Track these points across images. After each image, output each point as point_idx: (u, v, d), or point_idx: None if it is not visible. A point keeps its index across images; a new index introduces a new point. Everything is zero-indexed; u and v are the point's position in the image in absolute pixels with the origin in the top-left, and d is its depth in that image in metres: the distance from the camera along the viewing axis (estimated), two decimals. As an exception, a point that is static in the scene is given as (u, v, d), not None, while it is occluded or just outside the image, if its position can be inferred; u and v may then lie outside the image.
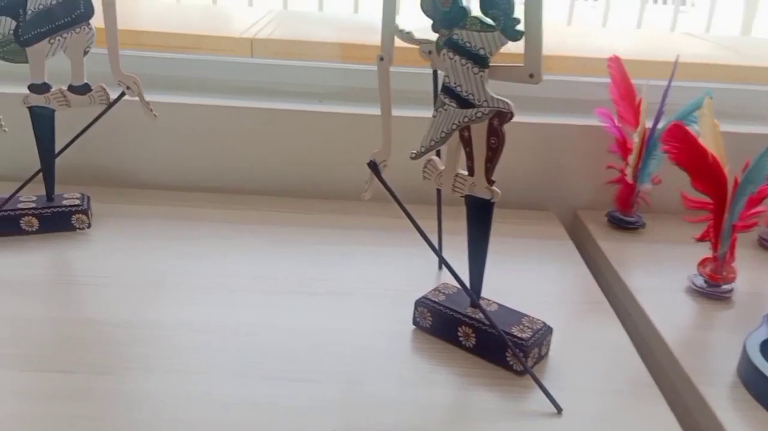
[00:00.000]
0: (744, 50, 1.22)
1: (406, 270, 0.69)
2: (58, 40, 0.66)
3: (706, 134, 0.66)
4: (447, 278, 0.66)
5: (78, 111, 0.69)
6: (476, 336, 0.55)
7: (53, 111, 0.69)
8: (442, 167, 0.56)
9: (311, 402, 0.50)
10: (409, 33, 0.54)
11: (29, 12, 0.64)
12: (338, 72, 0.91)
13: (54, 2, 0.65)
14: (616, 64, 0.79)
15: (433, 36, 0.52)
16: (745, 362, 0.54)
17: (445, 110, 0.53)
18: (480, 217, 0.54)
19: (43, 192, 0.72)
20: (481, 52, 0.50)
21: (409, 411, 0.50)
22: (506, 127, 0.51)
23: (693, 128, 0.67)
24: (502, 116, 0.51)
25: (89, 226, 0.72)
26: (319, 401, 0.50)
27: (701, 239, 0.66)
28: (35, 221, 0.69)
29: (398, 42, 0.54)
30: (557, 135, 0.85)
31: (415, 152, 0.56)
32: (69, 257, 0.68)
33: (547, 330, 0.55)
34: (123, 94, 0.69)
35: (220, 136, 0.84)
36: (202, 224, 0.75)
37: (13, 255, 0.67)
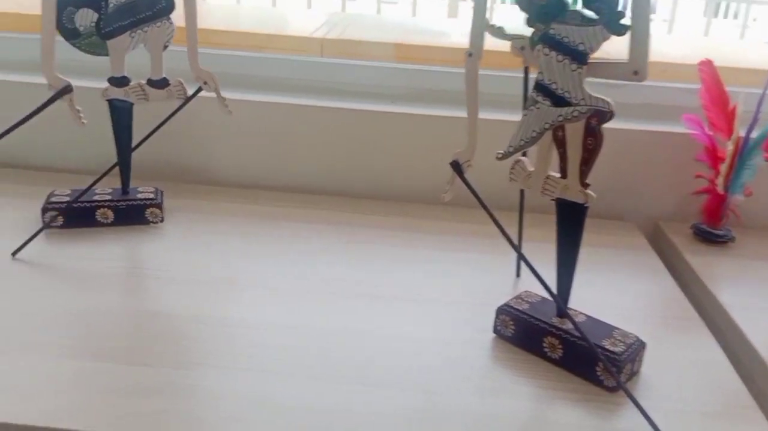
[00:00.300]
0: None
1: (482, 277, 0.66)
2: (139, 33, 0.66)
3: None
4: (525, 286, 0.64)
5: (153, 106, 0.69)
6: (563, 348, 0.52)
7: (132, 105, 0.69)
8: (531, 169, 0.53)
9: (387, 409, 0.48)
10: (500, 28, 0.52)
11: (111, 5, 0.65)
12: (409, 73, 0.90)
13: (137, -5, 0.65)
14: (708, 69, 0.75)
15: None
16: None
17: (538, 108, 0.50)
18: (571, 222, 0.51)
19: (119, 185, 0.72)
20: (581, 47, 0.47)
21: (490, 424, 0.47)
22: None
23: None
24: (602, 115, 0.48)
25: (162, 220, 0.72)
26: (395, 409, 0.48)
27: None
28: (110, 214, 0.70)
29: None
30: (637, 142, 0.81)
31: (501, 152, 0.53)
32: (142, 250, 0.68)
33: (640, 345, 0.52)
34: (200, 89, 0.69)
35: (292, 134, 0.83)
36: (273, 223, 0.74)
37: (88, 246, 0.67)
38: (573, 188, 0.50)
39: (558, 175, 0.51)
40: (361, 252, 0.70)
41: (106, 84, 0.68)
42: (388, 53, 0.95)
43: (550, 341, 0.53)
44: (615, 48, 0.48)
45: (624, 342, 0.51)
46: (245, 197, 0.80)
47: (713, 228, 0.76)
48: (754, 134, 0.72)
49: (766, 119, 0.72)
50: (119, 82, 0.67)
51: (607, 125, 0.80)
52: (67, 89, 0.64)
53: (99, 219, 0.69)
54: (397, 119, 0.82)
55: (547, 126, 0.50)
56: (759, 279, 0.69)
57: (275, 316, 0.58)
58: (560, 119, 0.49)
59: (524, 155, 0.55)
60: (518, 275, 0.66)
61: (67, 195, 0.70)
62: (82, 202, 0.68)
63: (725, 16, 2.18)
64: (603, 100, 0.48)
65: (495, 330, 0.56)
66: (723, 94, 0.75)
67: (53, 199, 0.69)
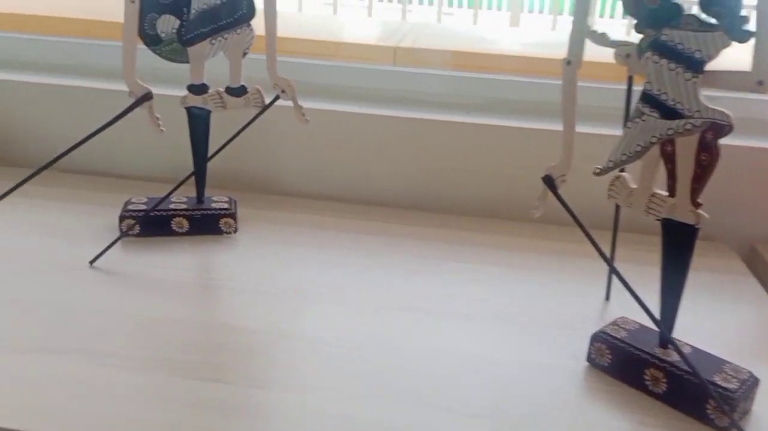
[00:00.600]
0: None
1: (568, 299, 0.62)
2: (219, 40, 0.65)
3: None
4: (615, 310, 0.60)
5: (229, 114, 0.68)
6: (668, 382, 0.48)
7: (209, 112, 0.68)
8: (633, 185, 0.49)
9: (476, 440, 0.45)
10: (603, 34, 0.48)
11: (193, 11, 0.64)
12: (486, 83, 0.86)
13: (218, 2, 0.64)
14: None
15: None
16: None
17: (644, 120, 0.47)
18: (679, 244, 0.47)
19: (192, 194, 0.71)
20: (697, 54, 0.44)
21: (591, 462, 0.43)
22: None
23: None
24: (718, 128, 0.44)
25: (236, 230, 0.70)
26: (485, 440, 0.45)
27: None
28: (185, 223, 0.69)
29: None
30: (730, 157, 0.75)
31: (600, 167, 0.50)
32: (215, 261, 0.67)
33: (754, 382, 0.47)
34: (277, 97, 0.68)
35: (367, 145, 0.81)
36: (347, 236, 0.72)
37: (163, 255, 0.66)
38: (682, 207, 0.46)
39: (665, 193, 0.47)
40: (437, 267, 0.67)
41: (182, 91, 0.67)
42: (464, 62, 0.92)
43: (652, 373, 0.48)
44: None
45: (737, 378, 0.46)
46: (318, 208, 0.78)
47: (821, 252, 0.70)
48: None
49: None
50: (198, 89, 0.66)
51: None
52: (147, 96, 0.64)
53: (174, 228, 0.69)
54: (472, 129, 0.79)
55: (654, 140, 0.46)
56: None
57: (349, 332, 0.55)
58: (670, 132, 0.45)
59: (623, 170, 0.51)
60: (608, 298, 0.62)
61: (143, 203, 0.69)
62: (159, 210, 0.68)
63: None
64: (721, 112, 0.44)
65: (589, 359, 0.52)
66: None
67: (130, 207, 0.68)
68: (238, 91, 0.67)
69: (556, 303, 0.62)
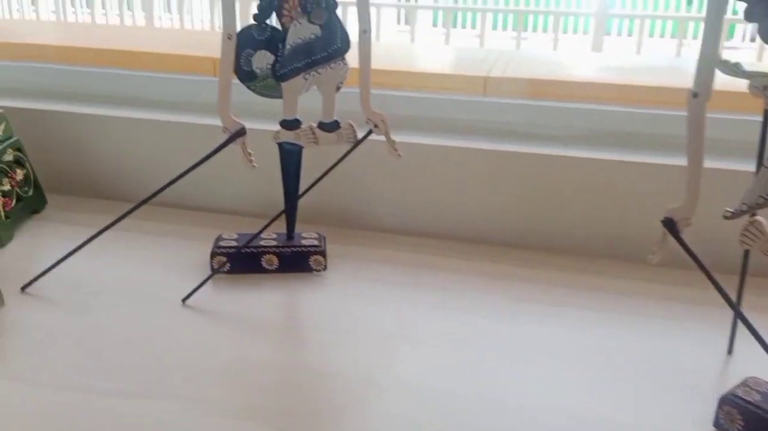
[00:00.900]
0: None
1: (685, 350, 0.57)
2: (313, 75, 0.64)
3: None
4: (739, 366, 0.54)
5: (317, 150, 0.66)
6: (816, 456, 0.42)
7: (302, 148, 0.67)
8: (770, 231, 0.44)
9: None
10: (736, 64, 0.44)
11: (288, 47, 0.63)
12: (586, 113, 0.82)
13: (312, 36, 0.63)
14: None
15: None
16: None
17: (785, 159, 0.42)
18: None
19: (281, 229, 0.70)
20: None
21: None
22: None
23: None
24: None
25: (325, 268, 0.69)
26: None
27: None
28: (275, 260, 0.67)
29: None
30: None
31: (731, 210, 0.45)
32: (304, 300, 0.65)
33: None
34: (370, 132, 0.66)
35: (460, 179, 0.77)
36: (443, 275, 0.69)
37: (252, 293, 0.65)
38: (833, 258, 0.41)
39: (811, 241, 0.42)
40: (542, 313, 0.63)
41: (274, 126, 0.66)
42: (559, 91, 0.88)
43: (796, 445, 0.43)
44: None
45: None
46: (410, 245, 0.75)
47: None
48: None
49: None
50: (291, 125, 0.65)
51: None
52: (241, 132, 0.63)
53: (264, 265, 0.67)
54: (571, 163, 0.75)
55: (798, 182, 0.41)
56: None
57: (446, 382, 0.52)
58: (818, 173, 0.40)
59: (754, 214, 0.46)
60: (730, 351, 0.56)
61: (234, 239, 0.69)
62: (249, 247, 0.67)
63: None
64: None
65: (716, 424, 0.47)
66: None
67: (221, 243, 0.68)
68: (331, 126, 0.66)
69: (673, 356, 0.56)
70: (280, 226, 0.70)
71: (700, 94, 0.45)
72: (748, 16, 0.43)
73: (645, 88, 0.87)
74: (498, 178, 0.77)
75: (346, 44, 0.63)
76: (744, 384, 0.48)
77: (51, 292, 0.63)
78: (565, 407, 0.49)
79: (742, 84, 0.45)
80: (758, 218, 0.45)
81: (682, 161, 0.47)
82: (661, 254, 0.49)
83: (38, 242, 0.75)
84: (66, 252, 0.64)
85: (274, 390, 0.51)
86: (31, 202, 0.79)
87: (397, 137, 0.66)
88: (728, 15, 0.48)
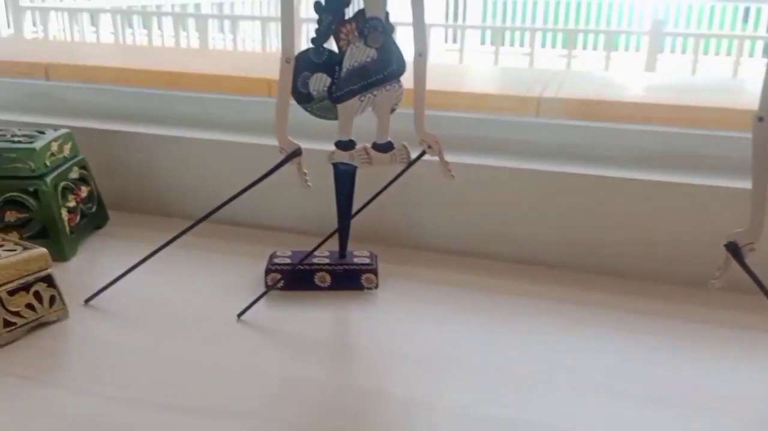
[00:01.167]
0: None
1: (751, 379, 0.55)
2: (368, 97, 0.65)
3: None
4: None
5: (370, 170, 0.67)
6: None
7: (355, 168, 0.68)
8: (841, 259, 0.43)
9: None
10: (803, 87, 0.43)
11: (344, 69, 0.64)
12: (639, 134, 0.81)
13: (368, 59, 0.64)
14: None
15: None
16: None
17: None
18: None
19: (333, 247, 0.71)
20: None
21: None
22: None
23: None
24: None
25: (377, 286, 0.69)
26: None
27: None
28: (328, 278, 0.68)
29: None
30: None
31: (798, 236, 0.44)
32: (356, 318, 0.66)
33: None
34: (423, 153, 0.66)
35: (516, 201, 0.77)
36: (499, 297, 0.69)
37: (305, 311, 0.66)
38: None
39: None
40: (601, 338, 0.62)
41: (328, 146, 0.67)
42: (613, 112, 0.87)
43: None
44: None
45: None
46: (463, 266, 0.75)
47: None
48: None
49: None
50: (346, 145, 0.67)
51: None
52: (297, 152, 0.65)
53: (317, 283, 0.68)
54: (630, 185, 0.74)
55: None
56: None
57: (503, 409, 0.51)
58: None
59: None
60: (797, 381, 0.54)
61: (288, 257, 0.70)
62: (302, 265, 0.68)
63: None
64: None
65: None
66: None
67: (276, 260, 0.69)
68: (385, 147, 0.66)
69: (741, 385, 0.54)
70: (333, 244, 0.71)
71: (766, 118, 0.44)
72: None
73: (699, 108, 0.86)
74: (550, 199, 0.76)
75: (401, 67, 0.64)
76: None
77: (113, 305, 0.66)
78: (622, 434, 0.49)
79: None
80: (827, 244, 0.44)
81: (727, 182, 0.46)
82: (723, 278, 0.48)
83: (100, 257, 0.77)
84: (126, 267, 0.66)
85: (325, 408, 0.52)
86: (94, 218, 0.82)
87: (449, 158, 0.67)
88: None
